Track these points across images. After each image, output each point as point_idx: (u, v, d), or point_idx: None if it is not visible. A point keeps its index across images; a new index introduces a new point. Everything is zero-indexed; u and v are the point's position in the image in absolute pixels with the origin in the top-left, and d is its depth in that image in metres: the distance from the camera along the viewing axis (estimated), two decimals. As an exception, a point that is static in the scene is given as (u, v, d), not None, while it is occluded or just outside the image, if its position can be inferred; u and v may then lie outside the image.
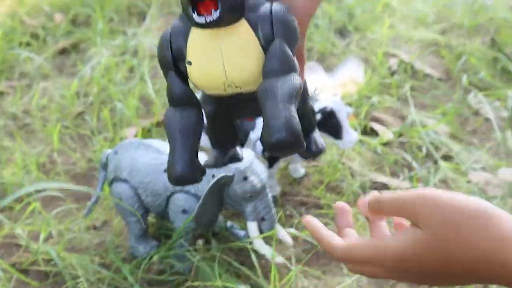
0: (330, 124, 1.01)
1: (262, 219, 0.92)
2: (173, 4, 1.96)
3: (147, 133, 1.29)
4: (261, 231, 0.93)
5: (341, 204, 0.62)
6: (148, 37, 1.69)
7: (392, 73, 1.54)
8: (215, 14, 0.48)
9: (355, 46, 1.66)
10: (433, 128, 1.24)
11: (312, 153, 0.63)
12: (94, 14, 1.81)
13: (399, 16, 1.77)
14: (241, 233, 0.99)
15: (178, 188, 0.92)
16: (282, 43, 0.51)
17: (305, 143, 0.51)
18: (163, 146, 0.95)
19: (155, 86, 1.46)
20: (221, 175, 0.87)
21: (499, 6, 1.71)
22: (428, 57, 1.63)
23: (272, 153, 0.51)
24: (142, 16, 1.90)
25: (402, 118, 1.36)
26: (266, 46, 0.52)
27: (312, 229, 0.60)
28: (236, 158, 0.67)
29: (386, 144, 1.25)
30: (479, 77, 1.44)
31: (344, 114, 1.04)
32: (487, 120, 1.32)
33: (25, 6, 1.93)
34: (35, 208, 1.06)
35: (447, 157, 1.19)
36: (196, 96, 0.57)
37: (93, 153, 1.25)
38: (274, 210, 0.93)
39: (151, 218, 1.04)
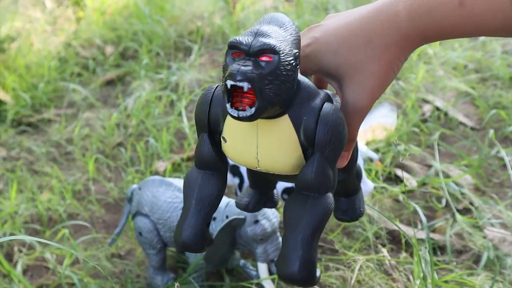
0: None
1: (272, 260, 0.95)
2: (219, 42, 2.03)
3: (177, 167, 1.36)
4: (271, 272, 0.96)
5: None
6: (190, 73, 1.76)
7: (424, 121, 1.56)
8: (249, 111, 0.47)
9: (390, 90, 1.68)
10: (455, 179, 1.25)
11: (349, 219, 0.66)
12: (140, 48, 1.90)
13: (437, 64, 1.78)
14: (253, 272, 1.02)
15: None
16: (321, 160, 0.51)
17: (316, 279, 0.52)
18: (184, 185, 1.01)
19: (191, 122, 1.53)
20: (233, 217, 0.91)
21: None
22: (463, 105, 1.64)
23: (282, 281, 0.54)
24: (188, 52, 1.99)
25: (429, 166, 1.38)
26: (306, 144, 0.52)
27: None
28: (272, 203, 0.68)
29: (408, 192, 1.27)
30: (510, 130, 1.44)
31: (362, 163, 1.07)
32: (515, 174, 1.31)
33: (79, 38, 2.05)
34: (64, 235, 1.13)
35: (467, 210, 1.20)
36: (224, 164, 0.56)
37: (125, 184, 1.32)
38: (284, 253, 0.96)
39: (170, 252, 1.09)
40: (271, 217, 0.94)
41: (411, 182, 1.30)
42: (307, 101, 0.51)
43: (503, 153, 1.25)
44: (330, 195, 0.52)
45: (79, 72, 1.89)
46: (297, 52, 0.51)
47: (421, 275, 0.92)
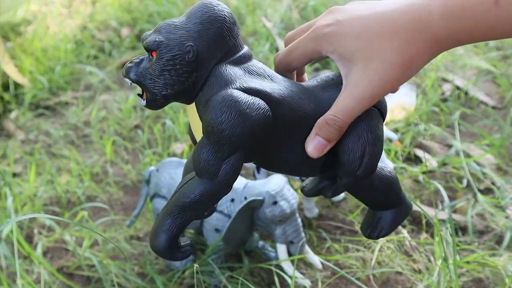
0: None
1: (291, 242, 0.95)
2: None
3: (195, 149, 1.35)
4: (289, 254, 0.96)
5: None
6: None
7: (444, 100, 1.53)
8: (143, 102, 0.53)
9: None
10: (476, 159, 1.23)
11: (366, 235, 0.62)
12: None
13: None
14: (272, 253, 1.02)
15: (212, 207, 0.96)
16: (201, 141, 0.52)
17: (167, 254, 0.54)
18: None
19: (208, 103, 1.52)
20: (252, 198, 0.90)
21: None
22: (484, 84, 1.61)
23: None
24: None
25: (449, 146, 1.36)
26: None
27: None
28: (329, 191, 0.66)
29: (428, 172, 1.25)
30: (533, 108, 1.41)
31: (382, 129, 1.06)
32: (537, 153, 1.29)
33: (95, 21, 2.05)
34: (83, 217, 1.13)
35: (489, 190, 1.18)
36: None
37: (143, 166, 1.32)
38: (303, 234, 0.95)
39: (188, 234, 1.09)
40: (289, 198, 0.93)
41: (431, 162, 1.28)
42: (213, 91, 0.52)
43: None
44: (206, 182, 0.51)
45: (95, 54, 1.88)
46: (190, 46, 0.51)
47: (443, 255, 0.91)
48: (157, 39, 0.51)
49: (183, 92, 0.52)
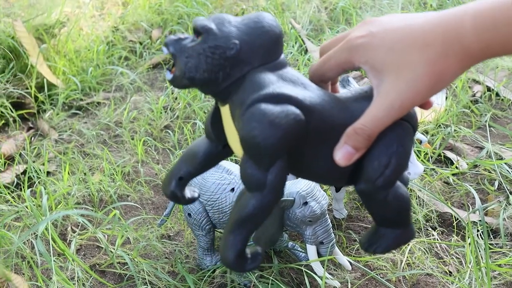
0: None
1: (321, 242, 0.95)
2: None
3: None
4: (319, 254, 0.96)
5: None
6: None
7: (475, 102, 1.52)
8: (169, 76, 0.55)
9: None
10: (508, 161, 1.21)
11: (363, 248, 0.62)
12: (186, 32, 1.91)
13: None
14: (302, 254, 1.02)
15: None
16: (244, 159, 0.53)
17: (238, 267, 0.55)
18: (232, 167, 1.01)
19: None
20: (282, 198, 0.91)
21: None
22: (515, 85, 1.59)
23: None
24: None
25: (480, 148, 1.35)
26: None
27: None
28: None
29: (459, 174, 1.24)
30: None
31: (411, 146, 1.05)
32: None
33: (126, 22, 2.08)
34: (116, 215, 1.15)
35: (521, 193, 1.17)
36: (219, 138, 0.61)
37: (174, 166, 1.33)
38: (333, 235, 0.96)
39: (219, 233, 1.10)
40: (320, 199, 0.93)
41: (461, 164, 1.27)
42: (246, 95, 0.52)
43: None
44: (256, 195, 0.53)
45: (127, 56, 1.91)
46: (235, 43, 0.52)
47: (475, 258, 0.91)
48: (208, 25, 0.53)
49: (209, 82, 0.53)
